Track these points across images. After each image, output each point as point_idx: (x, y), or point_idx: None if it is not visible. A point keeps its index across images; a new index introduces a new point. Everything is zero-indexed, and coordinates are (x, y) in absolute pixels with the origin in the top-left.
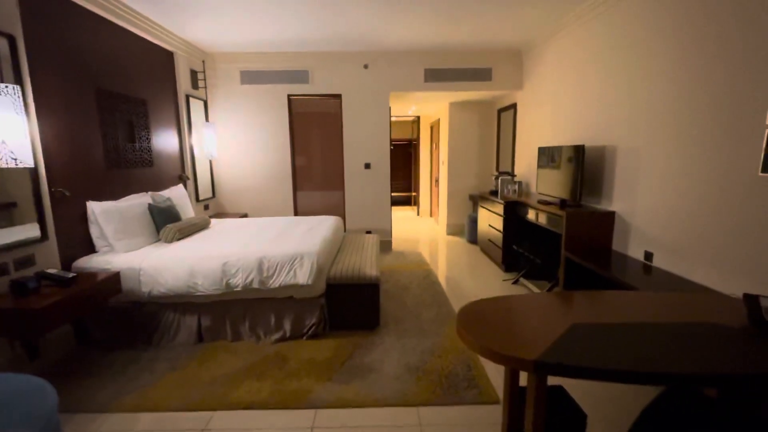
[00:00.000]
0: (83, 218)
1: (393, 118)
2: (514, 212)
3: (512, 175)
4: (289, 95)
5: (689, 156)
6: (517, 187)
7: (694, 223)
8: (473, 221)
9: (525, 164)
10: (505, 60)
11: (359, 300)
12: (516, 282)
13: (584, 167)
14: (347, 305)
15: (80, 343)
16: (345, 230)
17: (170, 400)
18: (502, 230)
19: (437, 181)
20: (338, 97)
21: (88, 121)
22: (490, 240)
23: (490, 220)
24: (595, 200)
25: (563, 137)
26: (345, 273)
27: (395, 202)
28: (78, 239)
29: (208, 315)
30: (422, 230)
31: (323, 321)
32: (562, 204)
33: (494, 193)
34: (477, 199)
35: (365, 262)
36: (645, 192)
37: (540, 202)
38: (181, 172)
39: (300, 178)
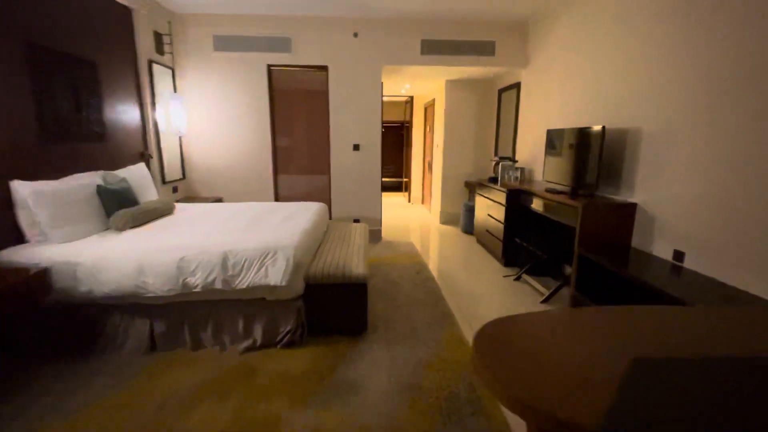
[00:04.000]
0: (8, 202)
1: (384, 98)
2: (517, 201)
3: (514, 160)
4: (268, 65)
5: (731, 138)
6: (519, 173)
7: (740, 219)
8: (469, 210)
9: (528, 149)
10: (510, 33)
11: (344, 302)
12: (518, 278)
13: (603, 152)
14: (330, 308)
15: (1, 352)
16: (330, 218)
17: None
18: (503, 221)
19: (430, 165)
20: (324, 69)
21: (11, 83)
22: (488, 231)
23: (489, 210)
24: (612, 190)
25: (576, 119)
26: (328, 270)
27: (385, 188)
28: (2, 227)
29: (162, 319)
30: (414, 218)
31: (301, 327)
32: (574, 193)
33: (494, 180)
34: (474, 187)
35: (352, 258)
36: (675, 181)
37: (548, 190)
38: (144, 149)
39: (281, 159)
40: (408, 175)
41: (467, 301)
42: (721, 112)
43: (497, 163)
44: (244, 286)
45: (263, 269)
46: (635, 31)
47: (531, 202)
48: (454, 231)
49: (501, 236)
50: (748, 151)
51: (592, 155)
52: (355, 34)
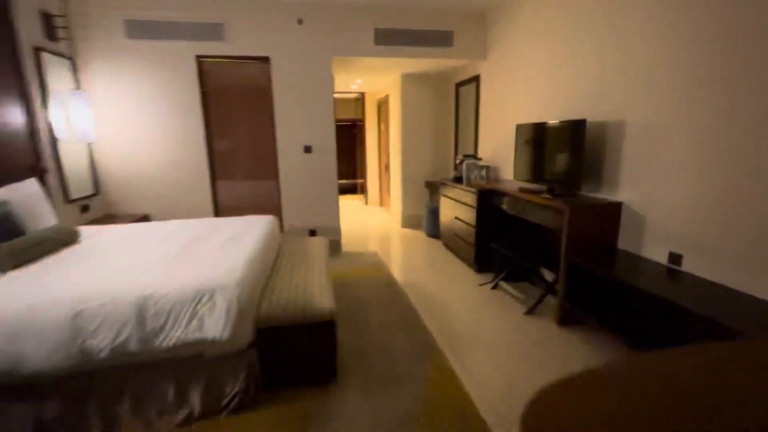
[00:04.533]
0: None
1: (334, 95)
2: (488, 203)
3: (477, 158)
4: (198, 57)
5: (731, 131)
6: (485, 172)
7: (745, 218)
8: (433, 212)
9: (491, 146)
10: (468, 22)
11: (307, 347)
12: (495, 287)
13: (585, 147)
14: (290, 355)
15: None
16: (283, 230)
17: None
18: (474, 224)
19: (387, 166)
20: (265, 60)
21: None
22: (456, 235)
23: (457, 212)
24: (592, 188)
25: (547, 113)
26: (284, 308)
27: (340, 189)
28: None
29: (53, 399)
30: (373, 223)
31: (254, 383)
32: (551, 192)
33: (458, 179)
34: (436, 187)
35: (313, 286)
36: (668, 178)
37: (523, 190)
38: (35, 160)
39: (220, 164)
40: (363, 176)
41: (446, 319)
42: (720, 101)
43: (461, 162)
44: (171, 345)
45: (196, 320)
46: (614, 10)
47: (504, 203)
48: (418, 235)
49: (472, 240)
50: (751, 145)
51: (572, 151)
52: (300, 21)
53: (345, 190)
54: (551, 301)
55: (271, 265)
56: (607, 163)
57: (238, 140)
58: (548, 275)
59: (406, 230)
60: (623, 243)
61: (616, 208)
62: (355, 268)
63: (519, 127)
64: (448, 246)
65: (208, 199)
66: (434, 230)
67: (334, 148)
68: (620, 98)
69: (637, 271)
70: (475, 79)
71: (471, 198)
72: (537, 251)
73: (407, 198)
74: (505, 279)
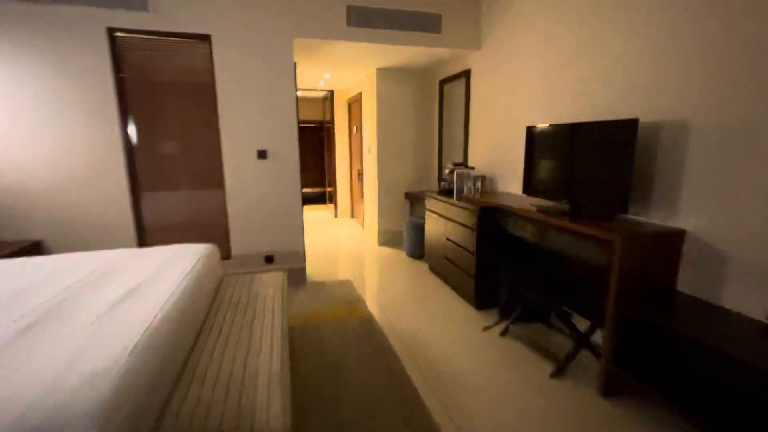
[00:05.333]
0: None
1: (298, 94)
2: (491, 223)
3: (468, 166)
4: (110, 30)
5: None
6: (479, 184)
7: None
8: (416, 229)
9: (485, 152)
10: (459, 5)
11: None
12: (505, 332)
13: (634, 156)
14: None
15: None
16: (229, 257)
17: None
18: (473, 250)
19: (360, 173)
20: (205, 40)
21: None
22: (447, 258)
23: (449, 232)
24: (638, 210)
25: (566, 112)
26: (202, 429)
27: (306, 199)
28: None
29: None
30: (345, 239)
31: None
32: (575, 213)
33: (448, 192)
34: (420, 199)
35: (258, 377)
36: (765, 197)
37: (542, 210)
38: None
39: (145, 172)
40: (333, 184)
41: (448, 388)
42: None
43: (451, 171)
44: None
45: None
46: None
47: (513, 226)
48: (398, 256)
49: (471, 270)
50: None
51: (616, 161)
52: None
53: (312, 200)
54: (586, 358)
55: (196, 330)
56: (659, 177)
57: (171, 141)
58: (576, 319)
59: (384, 249)
60: (684, 284)
61: (677, 237)
62: (324, 306)
63: (531, 131)
64: (436, 271)
65: (128, 219)
66: (417, 250)
67: (297, 153)
68: (681, 89)
69: (724, 329)
70: (465, 75)
71: (468, 217)
72: (557, 285)
73: (384, 211)
74: (516, 320)
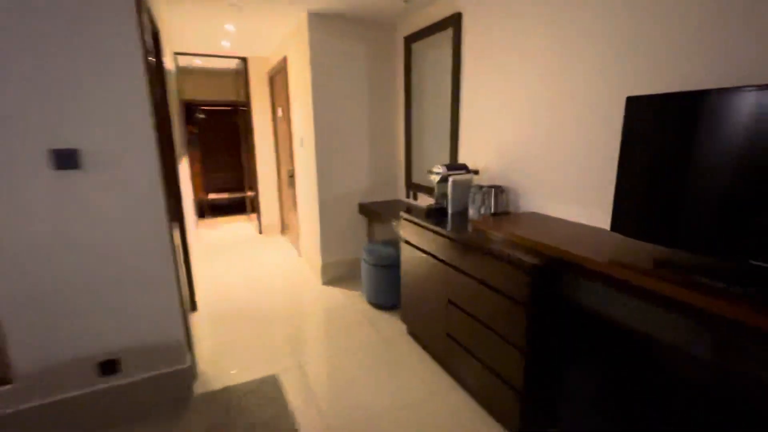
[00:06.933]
0: None
1: (198, 62)
2: (546, 286)
3: (470, 171)
4: None
5: None
6: (493, 200)
7: None
8: (381, 263)
9: (489, 150)
10: None
11: None
12: None
13: None
14: None
15: None
16: (9, 380)
17: None
18: (522, 344)
19: (292, 174)
20: None
21: None
22: (454, 339)
23: (455, 291)
24: None
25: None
26: None
27: (218, 208)
28: None
29: None
30: (271, 273)
31: None
32: (747, 285)
33: (439, 211)
34: (382, 214)
35: None
36: None
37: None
38: None
39: None
40: (254, 187)
41: None
42: None
43: (443, 179)
44: None
45: None
46: None
47: (611, 304)
48: (353, 303)
49: (513, 374)
50: None
51: None
52: None
53: (226, 209)
54: None
55: None
56: None
57: None
58: None
59: (332, 291)
60: None
61: None
62: None
63: (650, 105)
64: (422, 342)
65: None
66: (384, 296)
67: (154, 154)
68: None
69: None
70: (452, 23)
71: (504, 275)
72: (701, 418)
73: (329, 232)
74: None
